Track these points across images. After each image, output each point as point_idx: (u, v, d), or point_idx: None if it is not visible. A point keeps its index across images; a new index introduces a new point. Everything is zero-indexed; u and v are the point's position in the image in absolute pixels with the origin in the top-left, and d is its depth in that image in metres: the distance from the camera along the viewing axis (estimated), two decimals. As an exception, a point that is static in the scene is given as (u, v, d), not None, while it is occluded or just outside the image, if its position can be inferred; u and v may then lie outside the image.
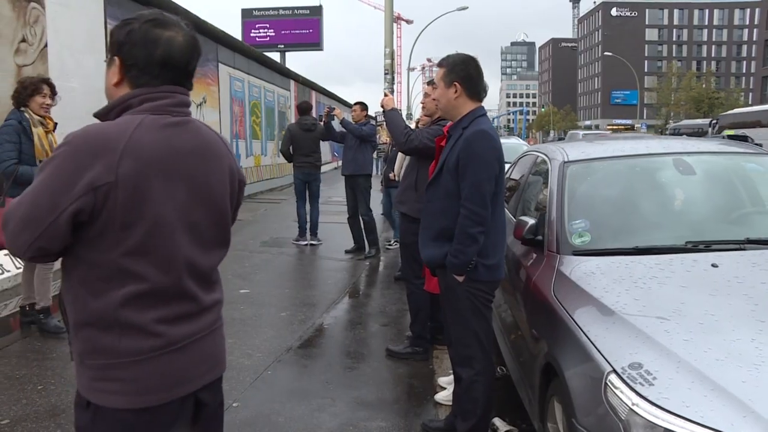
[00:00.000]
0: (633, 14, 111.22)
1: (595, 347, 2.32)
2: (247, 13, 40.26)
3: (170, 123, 1.63)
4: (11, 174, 4.74)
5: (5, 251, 6.58)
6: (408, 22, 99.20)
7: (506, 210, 3.84)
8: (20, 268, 6.80)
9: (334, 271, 7.84)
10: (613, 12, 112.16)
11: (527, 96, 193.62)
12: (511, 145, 11.99)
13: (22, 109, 4.96)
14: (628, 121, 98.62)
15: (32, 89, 4.97)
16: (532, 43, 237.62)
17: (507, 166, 3.65)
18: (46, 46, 7.93)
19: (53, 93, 5.12)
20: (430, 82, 4.72)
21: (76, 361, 1.64)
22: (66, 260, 1.62)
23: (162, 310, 1.61)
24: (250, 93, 18.19)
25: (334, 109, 8.75)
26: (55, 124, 5.16)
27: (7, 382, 4.15)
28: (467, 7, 39.17)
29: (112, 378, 1.58)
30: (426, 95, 4.71)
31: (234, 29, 36.16)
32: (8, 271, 6.77)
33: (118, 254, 1.55)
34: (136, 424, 1.60)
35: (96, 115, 1.67)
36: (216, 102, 14.84)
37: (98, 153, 1.50)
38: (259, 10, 40.67)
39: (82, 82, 8.66)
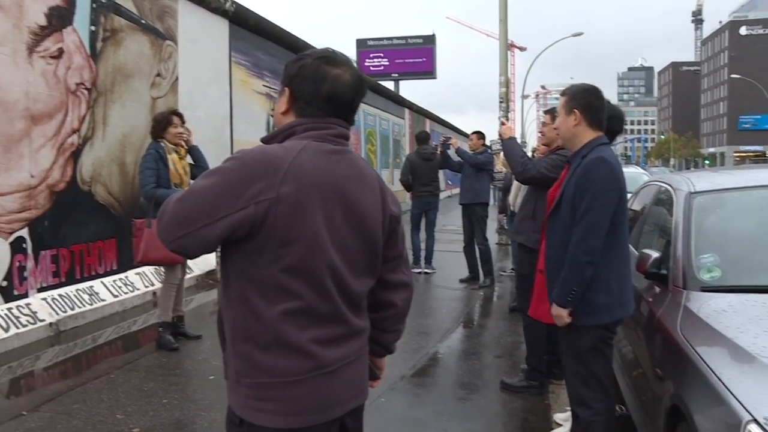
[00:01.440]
0: (765, 31, 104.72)
1: (731, 392, 2.18)
2: (361, 44, 41.22)
3: (331, 150, 1.72)
4: (151, 197, 5.26)
5: (136, 270, 7.07)
6: (521, 49, 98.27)
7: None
8: (149, 286, 7.27)
9: (448, 300, 7.82)
10: (743, 31, 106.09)
11: (645, 123, 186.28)
12: (631, 175, 11.58)
13: (159, 140, 5.47)
14: (759, 148, 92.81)
15: (165, 123, 5.51)
16: (651, 68, 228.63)
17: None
18: (177, 79, 8.48)
19: (183, 122, 5.60)
20: (549, 111, 4.67)
21: (232, 379, 1.71)
22: (227, 276, 1.70)
23: (317, 330, 1.67)
24: (366, 121, 18.59)
25: (450, 138, 8.86)
26: (187, 150, 5.63)
27: (137, 394, 4.43)
28: (582, 33, 38.07)
29: (267, 398, 1.65)
30: (544, 124, 4.66)
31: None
32: (138, 289, 7.22)
33: (276, 270, 1.62)
34: None
35: (262, 140, 1.78)
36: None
37: (264, 170, 1.60)
38: (374, 40, 41.56)
39: (207, 111, 9.21)
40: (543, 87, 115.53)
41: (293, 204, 1.61)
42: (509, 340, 6.00)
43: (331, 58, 1.77)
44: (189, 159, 5.70)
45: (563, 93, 3.26)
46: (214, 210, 1.58)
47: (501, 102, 12.64)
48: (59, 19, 6.38)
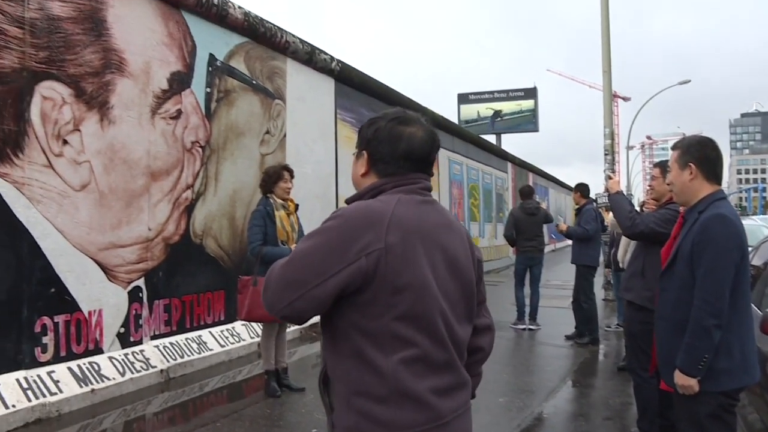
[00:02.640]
0: None
1: None
2: (463, 98, 41.55)
3: (422, 201, 1.78)
4: (257, 254, 5.37)
5: (242, 321, 7.27)
6: (625, 99, 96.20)
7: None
8: (254, 337, 7.45)
9: (554, 358, 7.57)
10: None
11: (762, 171, 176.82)
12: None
13: (268, 195, 5.63)
14: None
15: (275, 177, 5.64)
16: (767, 113, 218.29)
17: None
18: (285, 136, 8.81)
19: (292, 177, 5.73)
20: (659, 164, 4.52)
21: None
22: (335, 333, 1.69)
23: (434, 379, 1.66)
24: (469, 176, 18.61)
25: (558, 224, 8.96)
26: (296, 205, 5.77)
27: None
28: (689, 81, 36.29)
29: None
30: (653, 177, 4.51)
31: (450, 113, 37.49)
32: (244, 339, 7.42)
33: (389, 319, 1.62)
34: None
35: (348, 201, 1.82)
36: (435, 185, 15.35)
37: (368, 223, 1.64)
38: (475, 94, 41.82)
39: (313, 167, 9.48)
40: (649, 137, 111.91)
41: (401, 252, 1.63)
42: (618, 401, 5.71)
43: (403, 118, 1.83)
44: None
45: (675, 146, 3.13)
46: (324, 268, 1.60)
47: (606, 154, 12.35)
48: (179, 83, 6.82)
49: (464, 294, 1.79)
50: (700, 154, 2.98)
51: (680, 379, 2.81)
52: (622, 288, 4.73)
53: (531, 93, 40.41)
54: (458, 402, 1.72)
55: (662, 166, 4.40)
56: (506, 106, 40.05)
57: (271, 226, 5.50)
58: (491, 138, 32.82)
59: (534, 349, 8.25)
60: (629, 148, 49.68)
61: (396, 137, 1.80)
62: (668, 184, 3.28)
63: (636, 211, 4.67)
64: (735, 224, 2.83)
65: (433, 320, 1.66)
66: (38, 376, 5.05)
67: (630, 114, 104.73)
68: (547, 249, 14.25)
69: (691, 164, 2.97)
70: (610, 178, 4.92)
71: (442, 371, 1.68)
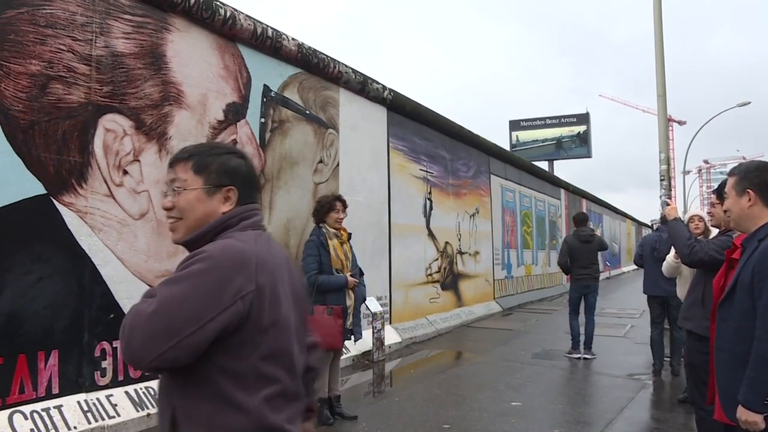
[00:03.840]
0: None
1: None
2: (514, 125, 41.42)
3: (267, 235, 1.84)
4: (312, 283, 5.44)
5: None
6: (680, 123, 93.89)
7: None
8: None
9: (610, 388, 7.39)
10: None
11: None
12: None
13: (321, 225, 5.69)
14: None
15: (327, 207, 5.71)
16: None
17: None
18: (338, 165, 8.91)
19: (344, 207, 5.77)
20: (717, 190, 4.41)
21: None
22: (194, 375, 1.63)
23: (288, 410, 1.72)
24: (521, 203, 18.47)
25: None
26: (349, 234, 5.81)
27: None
28: (749, 102, 33.96)
29: None
30: (713, 204, 4.40)
31: (502, 139, 37.27)
32: (300, 370, 7.41)
33: (256, 359, 1.64)
34: None
35: (191, 241, 1.79)
36: (488, 212, 15.28)
37: (238, 266, 1.63)
38: (526, 120, 41.64)
39: (366, 196, 9.56)
40: (706, 161, 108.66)
41: (269, 293, 1.67)
42: (680, 435, 5.54)
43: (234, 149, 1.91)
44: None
45: (732, 172, 3.05)
46: (200, 314, 1.56)
47: (662, 180, 12.11)
48: (235, 113, 6.99)
49: (302, 322, 1.86)
50: (759, 179, 2.90)
51: (744, 414, 2.68)
52: (681, 317, 4.60)
53: (583, 118, 40.04)
54: (298, 426, 1.79)
55: (718, 192, 4.30)
56: (558, 132, 39.71)
57: (325, 255, 5.56)
58: (544, 164, 32.53)
59: (589, 379, 8.07)
60: (685, 172, 48.58)
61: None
62: (725, 211, 3.19)
63: (694, 238, 4.57)
64: None
65: (291, 355, 1.73)
66: (97, 399, 5.18)
67: (685, 138, 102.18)
68: (601, 276, 14.03)
69: (749, 190, 2.89)
70: (668, 204, 4.83)
71: (295, 401, 1.75)
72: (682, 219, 4.79)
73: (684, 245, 4.35)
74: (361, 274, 5.94)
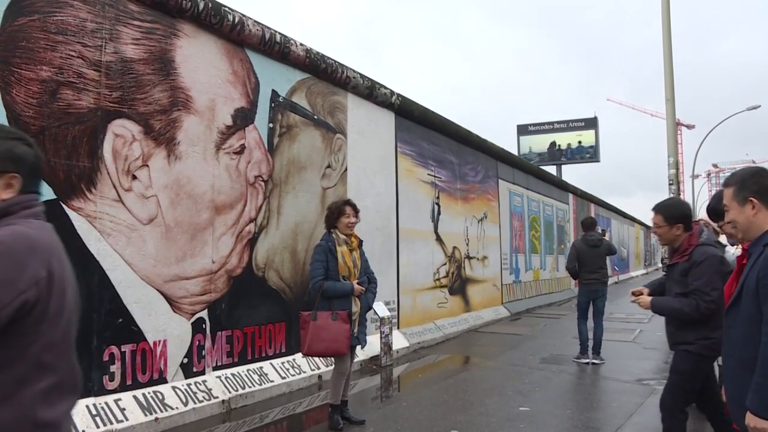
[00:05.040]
0: None
1: None
2: (522, 129, 41.36)
3: (50, 227, 1.78)
4: (318, 288, 5.45)
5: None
6: (689, 127, 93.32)
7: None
8: (314, 369, 7.50)
9: (619, 393, 7.36)
10: None
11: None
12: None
13: (331, 230, 5.70)
14: None
15: (338, 213, 5.71)
16: None
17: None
18: (346, 170, 8.93)
19: (356, 212, 5.77)
20: (712, 210, 4.36)
21: None
22: None
23: (65, 404, 1.69)
24: (529, 207, 18.43)
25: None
26: (361, 241, 5.82)
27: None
28: (759, 106, 32.91)
29: None
30: (706, 224, 4.36)
31: (510, 144, 37.17)
32: (304, 372, 7.46)
33: (38, 348, 1.60)
34: None
35: None
36: (496, 217, 15.27)
37: (32, 251, 1.62)
38: (534, 125, 41.57)
39: (374, 200, 9.57)
40: (715, 165, 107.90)
41: (60, 279, 1.66)
42: (689, 441, 5.50)
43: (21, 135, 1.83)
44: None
45: (727, 183, 2.97)
46: None
47: (671, 184, 12.09)
48: (243, 118, 7.02)
49: (77, 314, 1.81)
50: (758, 186, 2.85)
51: (752, 421, 2.63)
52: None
53: (591, 123, 39.94)
54: (71, 419, 1.77)
55: (715, 211, 4.21)
56: (566, 137, 39.64)
57: (332, 261, 5.56)
58: (551, 169, 32.45)
59: (598, 384, 8.03)
60: (694, 177, 48.39)
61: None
62: (728, 223, 3.14)
63: (679, 293, 4.26)
64: None
65: (69, 345, 1.71)
66: (106, 403, 5.20)
67: (694, 142, 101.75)
68: (610, 281, 14.03)
69: (751, 198, 2.85)
70: (637, 299, 4.62)
71: (71, 394, 1.73)
72: (655, 299, 4.45)
73: (687, 312, 4.15)
74: (371, 282, 5.90)
